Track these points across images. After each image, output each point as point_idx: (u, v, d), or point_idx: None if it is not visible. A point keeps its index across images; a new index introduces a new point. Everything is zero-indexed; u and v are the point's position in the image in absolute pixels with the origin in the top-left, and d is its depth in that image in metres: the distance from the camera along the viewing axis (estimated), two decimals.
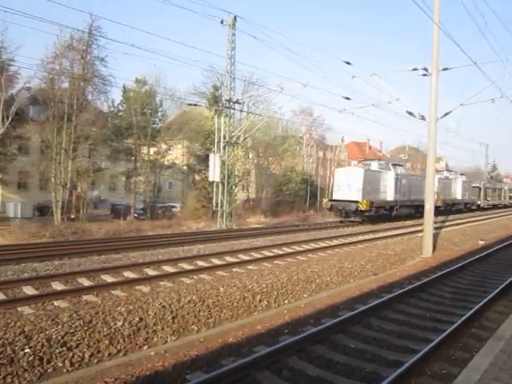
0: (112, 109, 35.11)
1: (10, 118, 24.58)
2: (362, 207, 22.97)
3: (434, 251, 15.01)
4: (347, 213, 23.97)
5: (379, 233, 19.58)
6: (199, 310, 7.51)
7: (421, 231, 15.94)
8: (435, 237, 16.25)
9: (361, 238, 17.87)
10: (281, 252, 13.69)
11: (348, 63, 17.21)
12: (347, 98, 20.31)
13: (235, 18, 23.25)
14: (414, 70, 14.96)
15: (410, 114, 16.10)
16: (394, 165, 27.94)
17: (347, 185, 24.09)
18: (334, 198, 25.16)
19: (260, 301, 8.43)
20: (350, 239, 17.23)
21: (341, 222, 24.70)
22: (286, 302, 8.74)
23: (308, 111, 49.10)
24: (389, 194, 25.97)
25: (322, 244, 15.70)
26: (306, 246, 14.99)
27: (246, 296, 8.47)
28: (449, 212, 32.85)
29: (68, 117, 27.31)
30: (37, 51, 60.83)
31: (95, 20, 27.78)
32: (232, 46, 23.79)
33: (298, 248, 14.62)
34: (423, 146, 55.87)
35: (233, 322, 7.51)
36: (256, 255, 13.05)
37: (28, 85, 29.98)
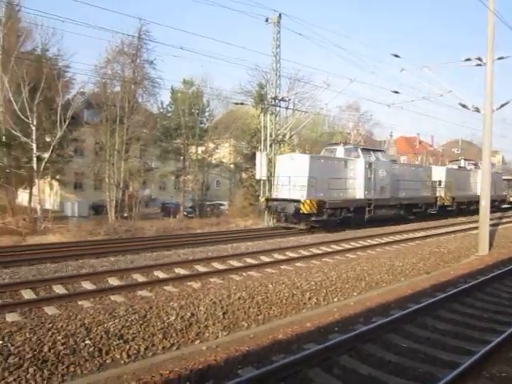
0: (161, 110, 36.16)
1: (66, 122, 25.82)
2: (305, 209, 16.70)
3: (490, 249, 14.34)
4: (287, 216, 18.14)
5: (431, 230, 18.97)
6: (249, 307, 7.60)
7: (476, 228, 15.28)
8: (492, 234, 15.53)
9: (411, 235, 17.41)
10: (329, 249, 13.58)
11: (397, 56, 16.79)
12: (396, 92, 19.82)
13: (280, 15, 23.29)
14: (467, 60, 14.34)
15: (464, 106, 15.44)
16: (366, 150, 20.37)
17: (287, 178, 18.01)
18: (274, 195, 19.28)
19: (309, 298, 8.42)
20: (400, 237, 16.80)
21: (285, 228, 18.47)
22: (336, 300, 8.67)
23: (355, 106, 48.34)
24: (358, 189, 19.17)
25: (372, 242, 15.43)
26: (354, 244, 14.77)
27: (295, 293, 8.48)
28: (465, 212, 26.29)
29: (120, 119, 28.38)
30: (90, 57, 63.50)
31: (144, 24, 28.70)
32: (277, 43, 23.81)
33: (346, 245, 14.45)
34: (478, 139, 53.58)
35: (282, 318, 7.54)
36: (304, 253, 13.02)
37: (82, 90, 31.50)
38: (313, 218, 17.33)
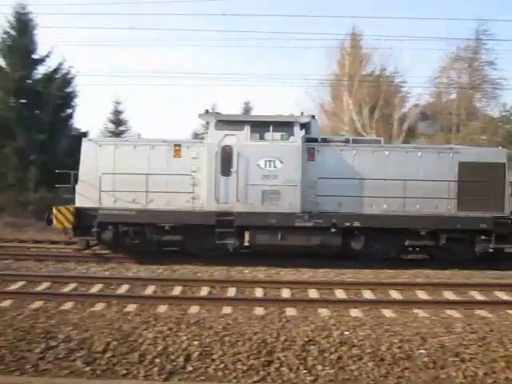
0: (503, 113, 32.58)
1: (403, 134, 27.00)
2: (56, 222, 11.45)
3: None
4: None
5: None
6: None
7: None
8: None
9: None
10: None
11: None
12: None
13: None
14: None
15: None
16: (228, 123, 11.55)
17: None
18: None
19: None
20: None
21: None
22: None
23: None
24: (200, 194, 11.45)
25: None
26: None
27: None
28: None
29: (456, 127, 27.38)
30: (423, 69, 64.18)
31: (481, 24, 26.85)
32: None
33: None
34: None
35: None
36: None
37: (417, 102, 32.00)
38: (76, 239, 12.07)
